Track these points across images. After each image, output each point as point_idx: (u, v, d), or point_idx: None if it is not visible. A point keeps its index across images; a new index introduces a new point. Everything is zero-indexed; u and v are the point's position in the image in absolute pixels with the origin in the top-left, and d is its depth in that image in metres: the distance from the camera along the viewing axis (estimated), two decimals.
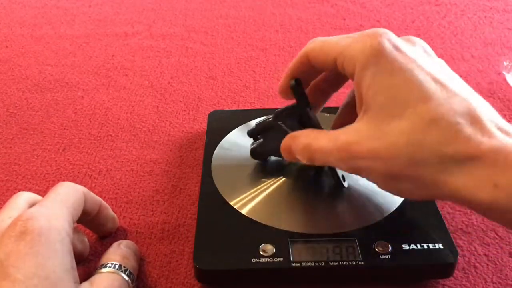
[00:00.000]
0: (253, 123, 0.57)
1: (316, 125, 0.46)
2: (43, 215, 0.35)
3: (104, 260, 0.39)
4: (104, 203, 0.44)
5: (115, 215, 0.46)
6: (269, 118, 0.49)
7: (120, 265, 0.39)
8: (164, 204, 0.50)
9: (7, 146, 0.59)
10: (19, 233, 0.33)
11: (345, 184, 0.47)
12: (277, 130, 0.48)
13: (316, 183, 0.49)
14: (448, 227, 0.44)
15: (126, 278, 0.38)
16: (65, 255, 0.35)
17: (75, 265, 0.35)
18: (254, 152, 0.50)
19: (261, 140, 0.50)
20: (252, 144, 0.51)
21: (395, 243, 0.41)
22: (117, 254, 0.40)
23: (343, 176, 0.48)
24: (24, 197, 0.39)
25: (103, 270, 0.38)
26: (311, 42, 0.41)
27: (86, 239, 0.42)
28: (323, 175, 0.49)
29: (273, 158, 0.51)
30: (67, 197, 0.39)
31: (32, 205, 0.39)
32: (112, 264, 0.39)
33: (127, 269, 0.39)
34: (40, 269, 0.32)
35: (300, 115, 0.47)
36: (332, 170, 0.47)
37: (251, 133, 0.51)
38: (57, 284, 0.33)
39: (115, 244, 0.42)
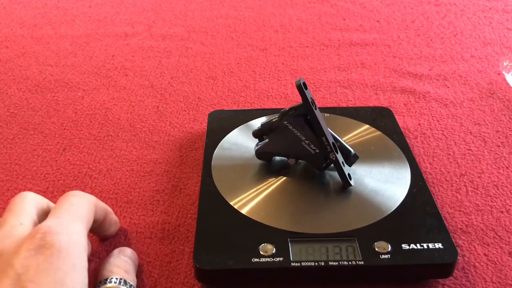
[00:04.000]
0: (253, 123, 0.57)
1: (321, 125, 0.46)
2: (62, 229, 0.34)
3: (106, 273, 0.39)
4: (109, 208, 0.44)
5: (117, 219, 0.46)
6: (274, 118, 0.49)
7: (125, 281, 0.39)
8: (164, 204, 0.50)
9: (7, 146, 0.59)
10: (38, 247, 0.33)
11: (352, 182, 0.47)
12: (283, 130, 0.48)
13: (316, 183, 0.49)
14: (448, 227, 0.44)
15: None
16: (83, 270, 0.34)
17: (88, 279, 0.35)
18: (259, 153, 0.50)
19: (266, 140, 0.49)
20: (257, 144, 0.50)
21: (395, 243, 0.41)
22: (120, 267, 0.40)
23: (349, 175, 0.47)
24: (30, 200, 0.39)
25: (108, 285, 0.38)
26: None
27: (89, 241, 0.42)
28: (324, 175, 0.49)
29: (277, 158, 0.51)
30: (81, 209, 0.38)
31: (40, 209, 0.38)
32: (116, 279, 0.38)
33: (131, 285, 0.39)
34: (59, 285, 0.32)
35: (306, 114, 0.47)
36: (339, 168, 0.47)
37: (256, 133, 0.50)
38: None
39: (115, 252, 0.41)
